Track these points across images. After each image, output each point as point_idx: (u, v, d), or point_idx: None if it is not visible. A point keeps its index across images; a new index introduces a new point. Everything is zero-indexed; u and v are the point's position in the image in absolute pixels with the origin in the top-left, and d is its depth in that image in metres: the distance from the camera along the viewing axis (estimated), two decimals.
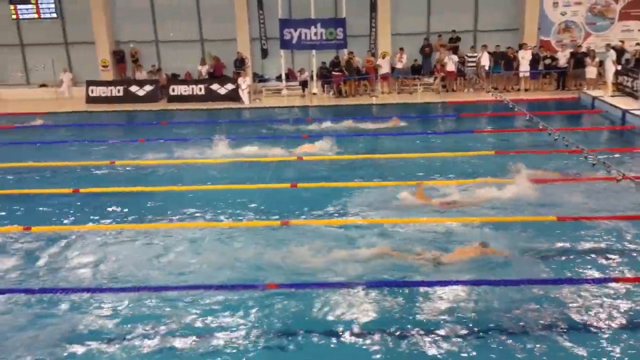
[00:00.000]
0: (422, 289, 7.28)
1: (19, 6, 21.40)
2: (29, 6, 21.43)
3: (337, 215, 9.84)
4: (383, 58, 21.35)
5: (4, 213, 10.42)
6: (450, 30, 21.96)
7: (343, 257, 8.21)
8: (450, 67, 20.91)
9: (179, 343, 6.35)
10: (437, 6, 22.49)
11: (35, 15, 21.64)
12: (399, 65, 21.33)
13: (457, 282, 7.37)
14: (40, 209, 10.60)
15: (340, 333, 6.43)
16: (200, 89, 21.13)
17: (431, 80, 21.73)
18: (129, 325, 6.65)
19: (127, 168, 13.14)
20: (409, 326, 6.50)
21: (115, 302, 7.17)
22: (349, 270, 7.82)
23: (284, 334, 6.50)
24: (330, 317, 6.75)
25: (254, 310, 6.93)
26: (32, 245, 8.96)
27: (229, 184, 11.58)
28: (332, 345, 6.26)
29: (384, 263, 7.99)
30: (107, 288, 7.56)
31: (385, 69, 21.40)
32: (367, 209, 10.02)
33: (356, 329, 6.48)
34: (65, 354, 6.17)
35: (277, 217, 9.72)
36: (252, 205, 10.32)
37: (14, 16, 21.66)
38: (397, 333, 6.38)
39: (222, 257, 8.39)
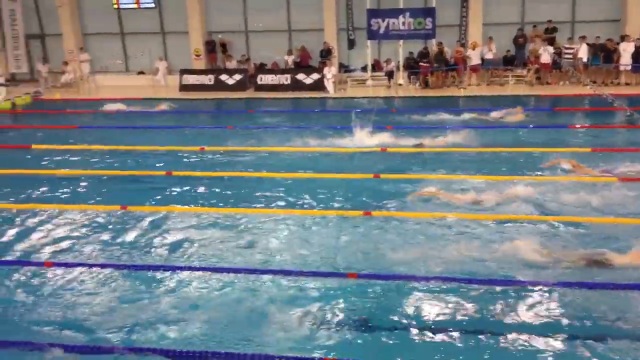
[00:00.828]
0: (505, 289, 7.06)
1: None
2: None
3: (420, 208, 9.72)
4: (473, 49, 20.75)
5: (104, 192, 11.10)
6: (546, 21, 20.97)
7: (431, 251, 8.13)
8: (545, 58, 20.00)
9: (250, 325, 6.53)
10: None
11: (135, 5, 22.77)
12: (489, 56, 20.66)
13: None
14: (137, 189, 11.19)
15: (416, 328, 6.38)
16: (287, 79, 21.46)
17: (524, 72, 20.88)
18: (203, 306, 6.91)
19: (216, 154, 13.59)
20: (490, 326, 6.34)
21: (200, 282, 7.48)
22: (432, 266, 7.73)
23: (359, 324, 6.52)
24: (407, 311, 6.72)
25: (332, 299, 7.02)
26: (129, 224, 9.51)
27: (312, 173, 11.71)
28: (404, 339, 6.22)
29: (469, 260, 7.82)
30: (195, 267, 7.88)
31: (475, 59, 20.79)
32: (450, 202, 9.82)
33: (432, 325, 6.40)
34: (156, 331, 6.52)
35: (359, 207, 9.73)
36: (335, 194, 10.39)
37: (115, 6, 22.89)
38: (470, 332, 6.24)
39: (304, 244, 8.52)
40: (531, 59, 20.60)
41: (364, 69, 21.99)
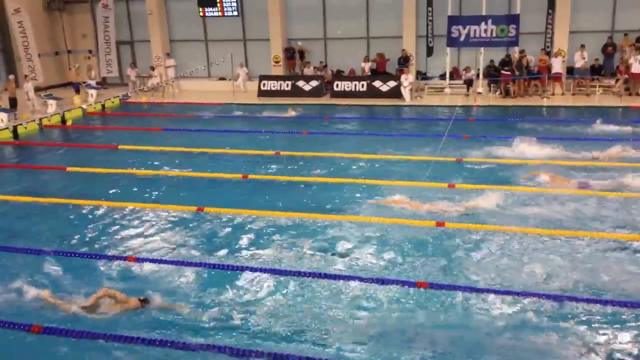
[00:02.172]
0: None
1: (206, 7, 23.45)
2: (215, 7, 23.37)
3: (494, 221, 9.44)
4: (556, 57, 19.92)
5: (182, 194, 11.52)
6: (638, 29, 19.81)
7: (504, 263, 7.93)
8: (636, 68, 18.88)
9: (319, 325, 6.56)
10: (624, 2, 20.41)
11: (219, 14, 23.55)
12: (578, 64, 19.76)
13: None
14: (213, 191, 11.53)
15: (481, 341, 6.22)
16: (363, 85, 21.46)
17: (612, 82, 19.82)
18: (285, 303, 7.01)
19: (291, 159, 13.78)
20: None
21: (274, 285, 7.60)
22: (514, 277, 7.51)
23: (420, 332, 6.50)
24: (478, 323, 6.56)
25: (399, 305, 7.00)
26: (204, 225, 9.81)
27: (386, 180, 11.62)
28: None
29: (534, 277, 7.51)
30: (269, 269, 8.02)
31: (559, 68, 19.95)
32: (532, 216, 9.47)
33: (502, 338, 6.21)
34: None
35: (432, 217, 9.57)
36: (408, 202, 10.26)
37: (201, 14, 23.76)
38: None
39: (377, 252, 8.50)
40: (621, 69, 19.52)
41: (442, 76, 21.63)
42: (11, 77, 19.70)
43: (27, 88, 19.79)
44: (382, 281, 7.53)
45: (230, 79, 23.32)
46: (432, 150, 13.41)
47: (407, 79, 20.52)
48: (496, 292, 7.21)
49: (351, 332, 6.52)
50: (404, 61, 21.64)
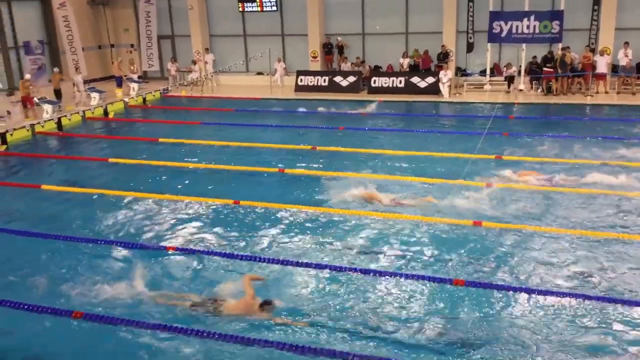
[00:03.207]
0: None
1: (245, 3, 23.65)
2: (254, 2, 23.54)
3: (532, 221, 9.27)
4: (602, 55, 19.36)
5: (220, 185, 11.67)
6: None
7: (539, 265, 7.79)
8: None
9: (347, 323, 6.57)
10: None
11: (258, 9, 23.71)
12: (623, 62, 19.17)
13: None
14: (249, 185, 11.63)
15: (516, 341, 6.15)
16: (401, 82, 21.28)
17: None
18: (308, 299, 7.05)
19: (326, 154, 13.79)
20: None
21: (318, 279, 7.64)
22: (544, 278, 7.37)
23: (455, 330, 6.47)
24: (512, 321, 6.48)
25: (436, 303, 6.97)
26: (240, 217, 9.93)
27: (423, 177, 11.52)
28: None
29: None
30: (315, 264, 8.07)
31: (603, 66, 19.38)
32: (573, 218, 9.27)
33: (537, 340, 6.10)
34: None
35: (469, 216, 9.45)
36: (446, 200, 10.16)
37: (240, 9, 23.96)
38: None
39: (412, 249, 8.47)
40: None
41: (482, 73, 21.29)
42: (56, 70, 20.25)
43: (77, 81, 20.39)
44: (418, 277, 7.52)
45: (267, 74, 23.46)
46: (470, 147, 13.23)
47: (446, 75, 20.27)
48: (533, 291, 7.11)
49: (402, 329, 6.54)
50: (443, 57, 21.39)
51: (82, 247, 8.86)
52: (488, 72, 20.82)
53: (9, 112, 17.48)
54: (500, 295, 7.12)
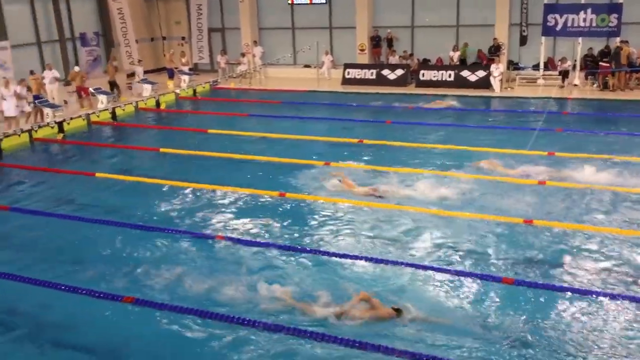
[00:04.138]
0: None
1: None
2: None
3: (589, 221, 9.00)
4: None
5: (267, 177, 11.77)
6: None
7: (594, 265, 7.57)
8: None
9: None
10: None
11: (308, 2, 23.75)
12: None
13: None
14: (293, 177, 11.67)
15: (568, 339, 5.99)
16: (450, 75, 20.95)
17: None
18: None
19: (373, 147, 13.72)
20: None
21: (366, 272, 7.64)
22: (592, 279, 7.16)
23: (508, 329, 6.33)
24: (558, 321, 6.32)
25: (486, 301, 6.86)
26: (285, 209, 10.00)
27: (474, 174, 11.32)
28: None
29: None
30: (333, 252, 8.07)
31: None
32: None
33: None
34: None
35: (520, 215, 9.24)
36: (497, 198, 9.97)
37: (290, 2, 24.05)
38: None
39: (463, 246, 8.36)
40: None
41: (536, 67, 20.71)
42: (112, 61, 20.83)
43: (138, 72, 20.98)
44: (467, 275, 7.43)
45: (315, 67, 23.50)
46: (522, 143, 12.91)
47: (498, 69, 19.82)
48: (585, 292, 6.92)
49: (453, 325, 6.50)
50: (495, 50, 20.92)
51: (134, 233, 9.11)
52: (542, 66, 20.25)
53: (65, 102, 18.12)
54: (550, 295, 6.96)
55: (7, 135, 14.85)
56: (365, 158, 12.80)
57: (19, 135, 15.12)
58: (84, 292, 7.30)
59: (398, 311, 6.51)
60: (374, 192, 10.27)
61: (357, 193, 10.34)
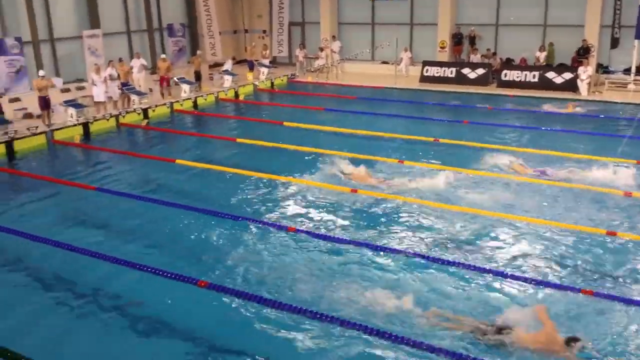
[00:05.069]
0: None
1: None
2: None
3: None
4: None
5: (336, 173, 11.79)
6: None
7: None
8: None
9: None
10: None
11: None
12: None
13: None
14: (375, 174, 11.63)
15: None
16: (534, 76, 20.19)
17: None
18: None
19: (449, 147, 13.45)
20: None
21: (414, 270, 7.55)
22: None
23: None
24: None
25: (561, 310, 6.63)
26: (358, 205, 10.00)
27: (552, 181, 10.89)
28: None
29: None
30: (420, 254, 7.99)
31: None
32: None
33: None
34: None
35: (605, 226, 8.82)
36: (577, 207, 9.55)
37: None
38: None
39: (542, 254, 8.10)
40: None
41: (627, 71, 19.60)
42: (199, 52, 21.55)
43: (227, 65, 21.62)
44: (545, 284, 7.20)
45: (393, 63, 23.29)
46: (609, 151, 12.28)
47: (586, 72, 18.91)
48: None
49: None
50: (584, 52, 19.96)
51: (212, 220, 9.40)
52: (633, 70, 19.13)
53: (151, 90, 18.92)
54: (631, 309, 6.60)
55: (96, 119, 15.71)
56: (439, 158, 12.55)
57: (107, 119, 15.97)
58: (160, 272, 7.61)
59: (573, 341, 5.68)
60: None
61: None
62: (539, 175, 11.10)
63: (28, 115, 16.26)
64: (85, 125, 15.36)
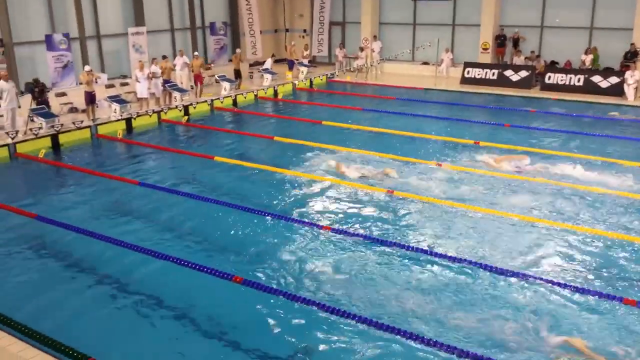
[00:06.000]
0: None
1: None
2: None
3: None
4: None
5: (374, 176, 11.75)
6: None
7: None
8: None
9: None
10: None
11: None
12: None
13: None
14: (404, 175, 11.53)
15: None
16: (579, 80, 19.69)
17: None
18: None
19: (490, 150, 13.22)
20: None
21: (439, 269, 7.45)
22: None
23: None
24: None
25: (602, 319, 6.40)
26: (394, 206, 9.94)
27: (595, 187, 10.60)
28: None
29: None
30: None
31: None
32: None
33: None
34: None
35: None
36: (613, 212, 9.28)
37: None
38: None
39: (581, 262, 7.91)
40: None
41: None
42: (238, 50, 21.77)
43: (268, 64, 21.81)
44: (584, 292, 7.02)
45: (433, 64, 23.05)
46: None
47: (633, 76, 18.33)
48: None
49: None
50: (632, 56, 19.38)
51: (252, 218, 9.47)
52: None
53: (192, 87, 19.21)
54: None
55: (139, 115, 16.06)
56: (480, 161, 12.37)
57: (150, 115, 16.29)
58: (196, 267, 7.71)
59: None
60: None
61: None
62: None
63: (74, 110, 16.80)
64: (128, 121, 15.73)
